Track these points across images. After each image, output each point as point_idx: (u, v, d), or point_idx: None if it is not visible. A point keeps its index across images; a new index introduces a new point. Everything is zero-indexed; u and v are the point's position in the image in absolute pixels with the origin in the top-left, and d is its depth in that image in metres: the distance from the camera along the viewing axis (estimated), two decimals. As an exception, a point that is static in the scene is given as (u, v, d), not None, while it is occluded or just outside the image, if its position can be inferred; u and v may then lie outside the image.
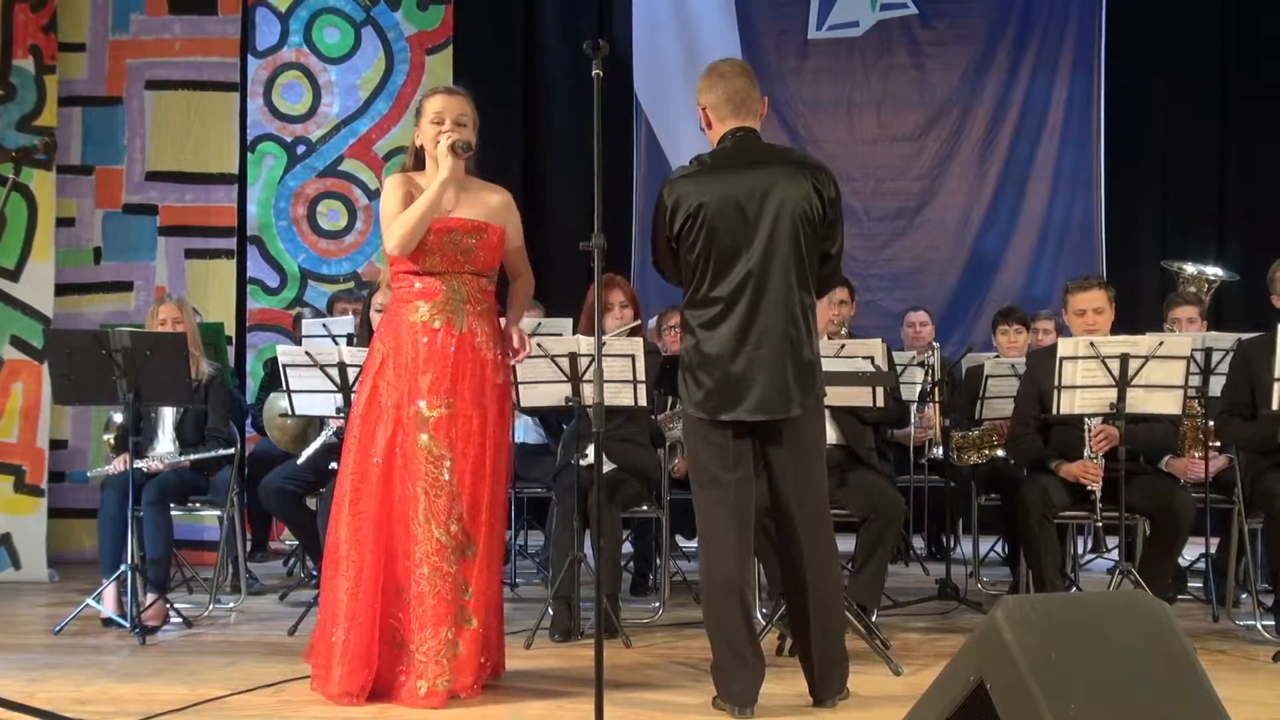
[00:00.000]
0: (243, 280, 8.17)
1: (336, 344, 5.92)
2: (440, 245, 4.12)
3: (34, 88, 7.23)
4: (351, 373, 5.07)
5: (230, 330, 7.78)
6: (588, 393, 4.92)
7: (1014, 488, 5.51)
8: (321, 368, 5.22)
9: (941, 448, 6.45)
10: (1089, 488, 5.10)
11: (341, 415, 5.09)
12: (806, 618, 3.91)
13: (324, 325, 6.62)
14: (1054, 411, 5.03)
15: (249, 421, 7.00)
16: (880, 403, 5.06)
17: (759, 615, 5.01)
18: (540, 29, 9.30)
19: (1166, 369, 4.90)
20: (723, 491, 3.87)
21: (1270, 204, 8.62)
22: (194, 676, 4.41)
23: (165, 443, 5.87)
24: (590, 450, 4.39)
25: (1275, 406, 4.76)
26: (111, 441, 5.88)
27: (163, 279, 7.75)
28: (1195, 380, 5.47)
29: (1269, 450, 5.12)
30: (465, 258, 4.14)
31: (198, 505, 6.00)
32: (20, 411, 7.03)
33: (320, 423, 5.82)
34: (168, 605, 5.48)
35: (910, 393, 6.36)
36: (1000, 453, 6.06)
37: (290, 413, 5.50)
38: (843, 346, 5.17)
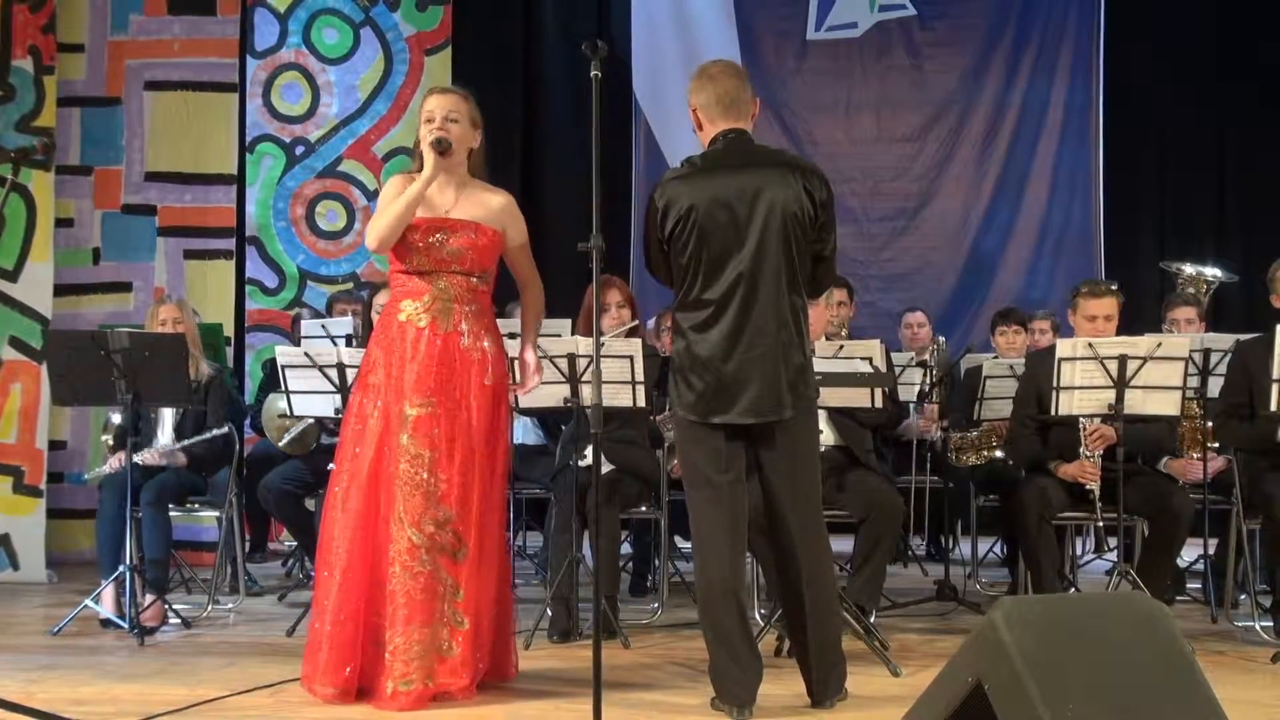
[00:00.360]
0: (241, 281, 8.17)
1: (335, 345, 5.93)
2: (427, 245, 4.13)
3: (33, 88, 7.24)
4: (350, 373, 5.08)
5: (229, 331, 7.79)
6: (586, 393, 4.92)
7: (1012, 488, 5.51)
8: (320, 368, 5.23)
9: (942, 440, 6.42)
10: (1087, 487, 5.10)
11: (340, 416, 5.09)
12: (803, 620, 3.91)
13: (323, 326, 6.62)
14: (1052, 412, 5.03)
15: (247, 422, 7.00)
16: (879, 404, 5.07)
17: (757, 616, 5.02)
18: (539, 30, 9.31)
19: (1165, 370, 4.90)
20: (716, 493, 3.86)
21: (1268, 205, 8.62)
22: (192, 677, 4.41)
23: (164, 444, 5.86)
24: (589, 451, 4.39)
25: (1274, 407, 4.77)
26: (110, 442, 5.88)
27: (162, 280, 7.75)
28: (1194, 381, 5.47)
29: (1267, 450, 5.13)
30: (453, 258, 4.14)
31: (196, 506, 6.00)
32: (19, 412, 7.03)
33: (319, 429, 5.84)
34: (166, 606, 5.48)
35: (908, 394, 6.36)
36: (999, 454, 6.06)
37: (289, 413, 5.50)
38: (841, 347, 5.17)
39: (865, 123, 9.19)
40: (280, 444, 5.81)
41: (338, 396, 5.19)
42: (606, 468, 5.25)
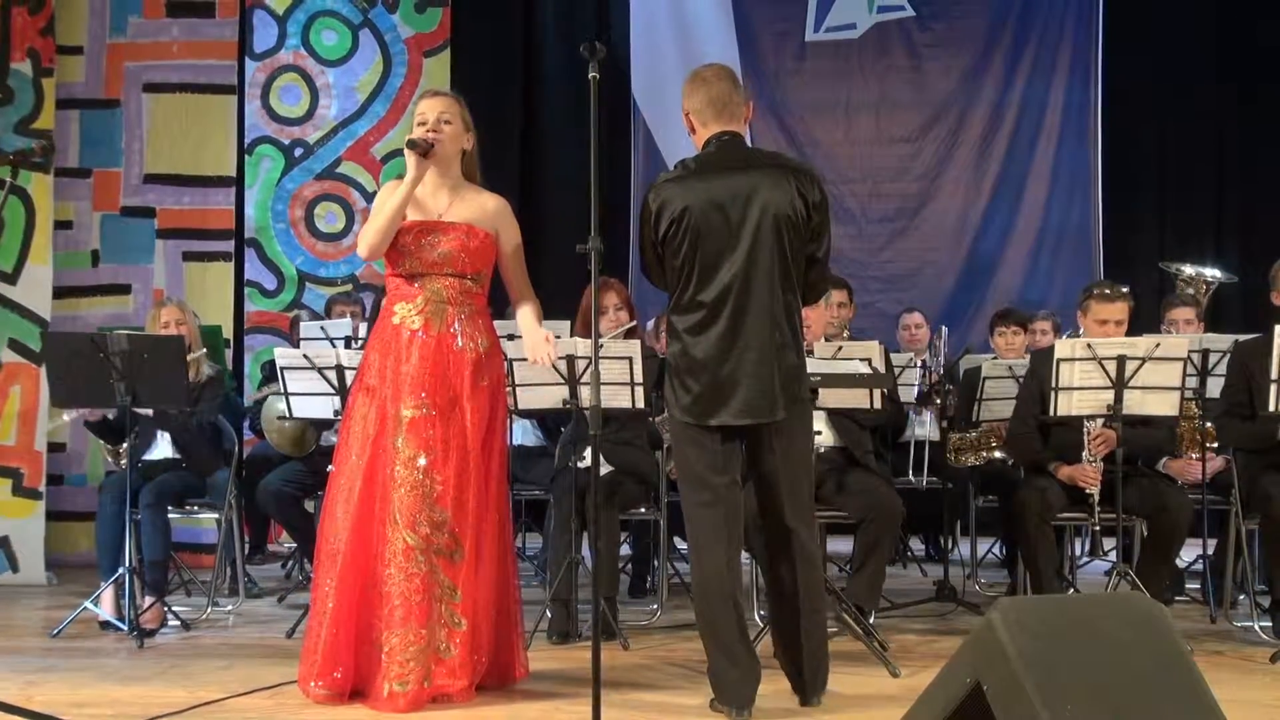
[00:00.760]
0: (240, 283, 8.17)
1: (334, 346, 5.93)
2: (419, 247, 4.15)
3: (32, 91, 7.23)
4: (349, 375, 5.08)
5: (228, 333, 7.79)
6: (585, 395, 4.92)
7: (1012, 489, 5.51)
8: (319, 370, 5.23)
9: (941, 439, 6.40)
10: (1087, 491, 5.11)
11: (339, 418, 5.09)
12: (796, 619, 3.92)
13: (322, 328, 6.62)
14: (1052, 413, 5.03)
15: (246, 424, 7.01)
16: (878, 405, 5.07)
17: (756, 618, 5.02)
18: (538, 31, 9.31)
19: (1163, 370, 4.90)
20: (712, 495, 3.87)
21: (1267, 206, 8.63)
22: (192, 679, 4.41)
23: (163, 446, 5.87)
24: (588, 452, 4.39)
25: (1273, 408, 4.77)
26: (110, 446, 5.87)
27: (161, 282, 7.75)
28: (1192, 382, 5.47)
29: (1267, 449, 5.13)
30: (445, 260, 4.15)
31: (196, 508, 6.00)
32: (18, 414, 7.03)
33: (319, 433, 5.83)
34: (166, 608, 5.49)
35: (908, 394, 6.36)
36: (998, 454, 6.06)
37: (288, 415, 5.50)
38: (840, 349, 5.18)
39: (864, 123, 9.19)
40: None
41: (336, 398, 5.19)
42: (605, 469, 5.26)
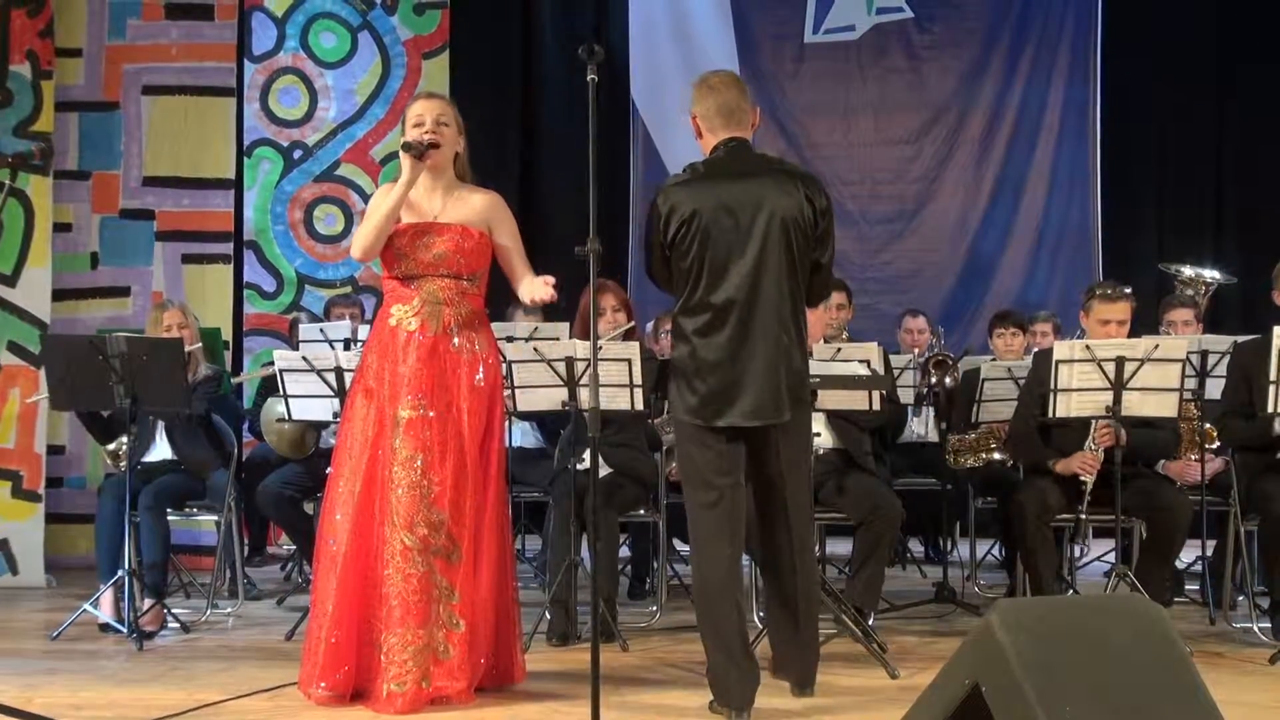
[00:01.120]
0: (239, 285, 8.17)
1: (333, 348, 5.92)
2: (413, 250, 4.16)
3: (31, 93, 7.23)
4: (348, 377, 5.08)
5: (227, 335, 7.78)
6: (584, 397, 4.92)
7: (1011, 491, 5.51)
8: (319, 372, 5.23)
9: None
10: (1081, 478, 5.09)
11: (338, 420, 5.09)
12: (795, 616, 3.98)
13: (321, 330, 6.62)
14: (1050, 414, 5.03)
15: (245, 426, 7.00)
16: (876, 407, 5.07)
17: (755, 620, 5.01)
18: (537, 33, 9.30)
19: (1162, 372, 4.90)
20: (716, 496, 3.89)
21: (1266, 207, 8.62)
22: (191, 681, 4.42)
23: (162, 448, 5.87)
24: (587, 454, 4.40)
25: (1271, 409, 4.77)
26: (110, 449, 5.86)
27: (160, 284, 7.74)
28: (1191, 383, 5.47)
29: (1265, 447, 5.13)
30: (439, 261, 4.16)
31: (195, 510, 6.01)
32: (17, 417, 7.02)
33: (318, 435, 5.84)
34: (165, 610, 5.49)
35: (907, 396, 6.36)
36: (997, 455, 6.06)
37: (287, 417, 5.51)
38: (839, 350, 5.18)
39: (863, 125, 9.18)
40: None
41: (335, 400, 5.19)
42: (605, 471, 5.26)
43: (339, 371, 5.20)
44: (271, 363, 5.58)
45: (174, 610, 5.55)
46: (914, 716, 2.79)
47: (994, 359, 6.51)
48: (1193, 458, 5.66)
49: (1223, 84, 8.88)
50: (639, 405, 5.03)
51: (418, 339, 4.11)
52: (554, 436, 5.99)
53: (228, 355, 7.70)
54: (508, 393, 4.81)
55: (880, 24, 9.14)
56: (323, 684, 4.00)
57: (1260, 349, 4.93)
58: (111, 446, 5.69)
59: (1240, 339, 5.41)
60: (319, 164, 8.33)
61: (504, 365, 4.64)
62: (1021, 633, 2.53)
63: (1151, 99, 8.98)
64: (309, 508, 5.94)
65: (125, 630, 5.18)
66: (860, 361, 5.03)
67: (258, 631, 5.49)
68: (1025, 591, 5.34)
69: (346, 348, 5.94)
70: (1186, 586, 6.20)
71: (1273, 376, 4.74)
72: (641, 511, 5.66)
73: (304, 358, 5.32)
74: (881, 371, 5.17)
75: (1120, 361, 4.87)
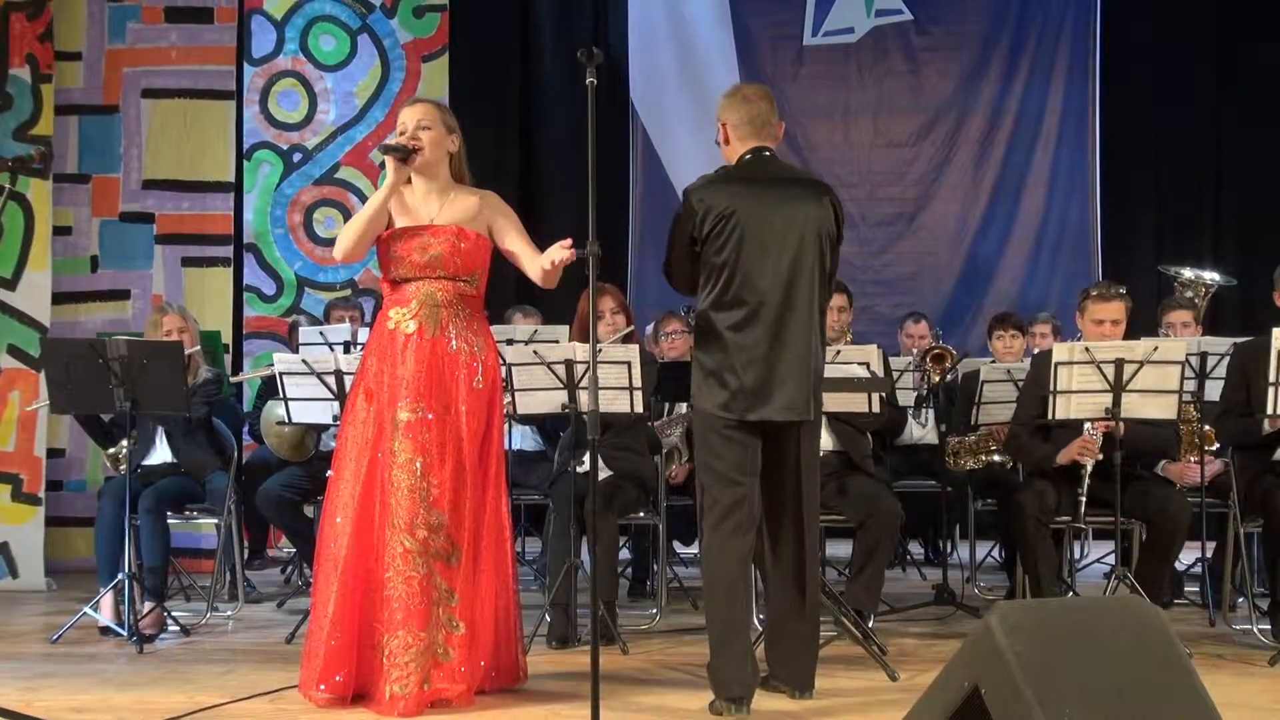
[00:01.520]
0: (239, 288, 8.17)
1: (333, 351, 5.93)
2: (409, 253, 4.17)
3: (30, 97, 7.24)
4: (348, 380, 5.08)
5: (227, 338, 7.78)
6: (584, 399, 4.92)
7: (1011, 492, 5.51)
8: (318, 375, 5.23)
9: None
10: (1082, 463, 5.08)
11: (338, 423, 5.10)
12: (802, 614, 4.08)
13: (320, 333, 6.62)
14: (1050, 416, 5.04)
15: (246, 429, 7.00)
16: (876, 409, 5.07)
17: (755, 621, 5.02)
18: (536, 36, 9.31)
19: (1162, 374, 4.90)
20: (742, 493, 3.99)
21: (1266, 209, 8.63)
22: (191, 684, 4.41)
23: (162, 451, 5.87)
24: (587, 457, 4.40)
25: (1272, 410, 4.77)
26: (110, 452, 5.87)
27: (160, 287, 7.75)
28: (1190, 385, 5.47)
29: (1261, 446, 5.13)
30: (436, 263, 4.17)
31: (195, 513, 6.01)
32: (17, 420, 7.03)
33: (318, 438, 5.84)
34: (165, 613, 5.49)
35: (907, 398, 6.36)
36: (996, 457, 6.06)
37: (287, 420, 5.50)
38: (838, 353, 5.18)
39: (862, 127, 9.19)
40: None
41: (335, 403, 5.19)
42: (604, 474, 5.26)
43: (339, 374, 5.20)
44: (271, 364, 5.59)
45: (174, 613, 5.56)
46: (914, 718, 2.79)
47: (993, 361, 6.52)
48: (1192, 460, 5.66)
49: (1222, 86, 8.89)
50: (639, 408, 5.04)
51: (416, 341, 4.11)
52: (553, 439, 5.99)
53: (228, 358, 7.70)
54: (507, 396, 4.81)
55: (879, 26, 9.15)
56: (323, 687, 4.01)
57: (1259, 350, 4.93)
58: (112, 450, 5.69)
59: (1239, 340, 5.42)
60: (319, 167, 8.33)
61: (503, 368, 4.64)
62: (1021, 635, 2.54)
63: (1151, 101, 8.99)
64: (309, 510, 5.95)
65: (125, 633, 5.18)
66: (859, 364, 5.03)
67: (258, 634, 5.49)
68: (1025, 593, 5.34)
69: (346, 350, 5.95)
70: (1186, 588, 6.20)
71: (1272, 378, 4.74)
72: (641, 514, 5.65)
73: (304, 360, 5.33)
74: (881, 374, 5.18)
75: (1120, 363, 4.87)
